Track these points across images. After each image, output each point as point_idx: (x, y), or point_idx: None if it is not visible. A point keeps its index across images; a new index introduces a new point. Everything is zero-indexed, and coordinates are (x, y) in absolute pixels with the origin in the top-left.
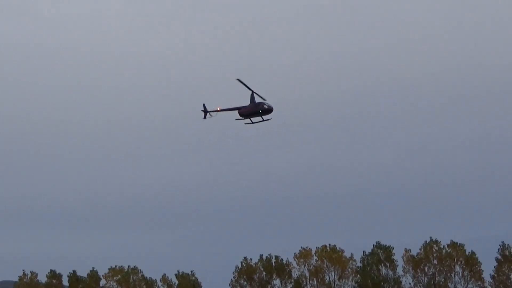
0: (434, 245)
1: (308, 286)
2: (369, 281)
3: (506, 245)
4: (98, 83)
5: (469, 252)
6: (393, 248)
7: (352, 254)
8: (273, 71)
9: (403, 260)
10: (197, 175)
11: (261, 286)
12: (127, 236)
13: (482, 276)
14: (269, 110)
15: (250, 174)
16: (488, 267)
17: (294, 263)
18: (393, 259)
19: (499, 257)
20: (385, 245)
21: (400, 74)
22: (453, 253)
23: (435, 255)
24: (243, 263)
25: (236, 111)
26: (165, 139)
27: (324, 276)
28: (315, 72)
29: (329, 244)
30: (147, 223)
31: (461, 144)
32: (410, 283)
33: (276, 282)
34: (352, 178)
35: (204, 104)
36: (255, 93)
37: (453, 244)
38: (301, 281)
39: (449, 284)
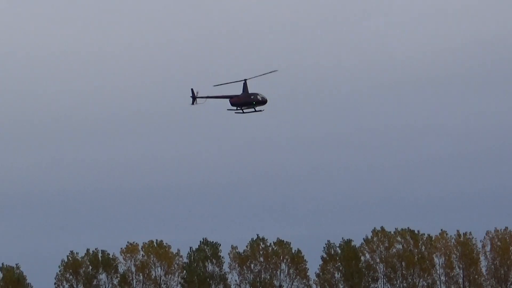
0: (261, 243)
1: (134, 281)
2: (195, 277)
3: (331, 244)
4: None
5: (295, 250)
6: (220, 245)
7: (178, 250)
8: None
9: (230, 257)
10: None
11: (87, 281)
12: None
13: (308, 274)
14: (263, 102)
15: (72, 166)
16: (313, 265)
17: (120, 258)
18: (220, 255)
19: (325, 255)
20: (212, 242)
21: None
22: (279, 251)
23: (261, 252)
24: (69, 257)
25: (227, 100)
26: None
27: (151, 271)
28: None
29: (156, 240)
30: None
31: (289, 141)
32: (236, 280)
33: (102, 276)
34: (179, 173)
35: (192, 89)
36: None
37: (280, 242)
38: (127, 276)
39: (275, 282)
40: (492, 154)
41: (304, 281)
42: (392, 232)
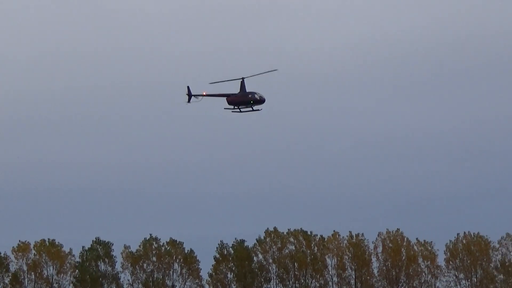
0: (154, 242)
1: (26, 280)
2: (88, 276)
3: (224, 244)
4: None
5: (188, 250)
6: (112, 244)
7: (71, 249)
8: None
9: (122, 257)
10: None
11: None
12: None
13: (200, 274)
14: (261, 101)
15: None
16: (206, 266)
17: (12, 257)
18: (112, 255)
19: (217, 255)
20: (105, 241)
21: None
22: (172, 251)
23: (154, 252)
24: None
25: (224, 99)
26: None
27: (43, 270)
28: None
29: (48, 239)
30: None
31: (185, 140)
32: (128, 280)
33: None
34: (71, 174)
35: (188, 87)
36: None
37: (173, 242)
38: (18, 275)
39: (167, 281)
40: (384, 157)
41: (196, 281)
42: (285, 233)
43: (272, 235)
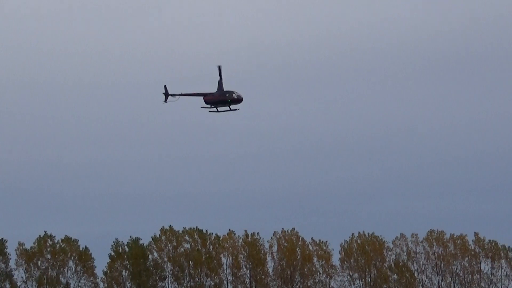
0: (49, 239)
1: None
2: None
3: (119, 242)
4: None
5: (83, 248)
6: (6, 241)
7: None
8: None
9: (16, 254)
10: None
11: None
12: None
13: (95, 272)
14: (239, 100)
15: None
16: (101, 263)
17: None
18: (6, 252)
19: (112, 253)
20: None
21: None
22: (67, 248)
23: (49, 249)
24: None
25: (201, 98)
26: None
27: None
28: None
29: None
30: None
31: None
32: (22, 277)
33: None
34: None
35: (165, 86)
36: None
37: (67, 239)
38: None
39: (62, 279)
40: (282, 155)
41: (91, 278)
42: (180, 231)
43: (168, 234)
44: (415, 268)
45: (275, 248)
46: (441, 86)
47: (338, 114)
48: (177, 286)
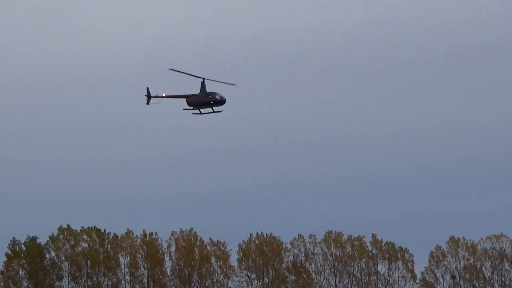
0: None
1: None
2: None
3: (16, 241)
4: None
5: None
6: None
7: None
8: None
9: None
10: None
11: None
12: None
13: None
14: (222, 101)
15: None
16: None
17: None
18: None
19: (9, 252)
20: None
21: None
22: None
23: None
24: None
25: (184, 100)
26: None
27: None
28: None
29: None
30: None
31: None
32: None
33: None
34: None
35: (148, 88)
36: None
37: None
38: None
39: None
40: (182, 158)
41: None
42: (78, 231)
43: (65, 233)
44: (313, 269)
45: (173, 248)
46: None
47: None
48: (74, 285)
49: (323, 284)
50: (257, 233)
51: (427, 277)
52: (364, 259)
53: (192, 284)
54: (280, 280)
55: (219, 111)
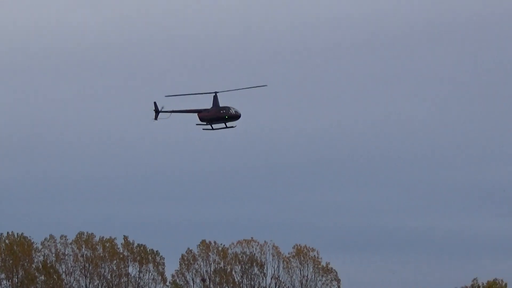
0: None
1: None
2: None
3: None
4: None
5: None
6: None
7: None
8: None
9: None
10: None
11: None
12: None
13: None
14: (236, 117)
15: None
16: None
17: None
18: None
19: None
20: None
21: None
22: None
23: None
24: None
25: (195, 114)
26: None
27: None
28: None
29: None
30: None
31: None
32: None
33: None
34: None
35: (155, 103)
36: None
37: None
38: None
39: None
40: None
41: None
42: None
43: None
44: (63, 269)
45: None
46: None
47: None
48: None
49: (73, 285)
50: (7, 232)
51: (177, 280)
52: (115, 261)
53: None
54: (30, 280)
55: (232, 126)
